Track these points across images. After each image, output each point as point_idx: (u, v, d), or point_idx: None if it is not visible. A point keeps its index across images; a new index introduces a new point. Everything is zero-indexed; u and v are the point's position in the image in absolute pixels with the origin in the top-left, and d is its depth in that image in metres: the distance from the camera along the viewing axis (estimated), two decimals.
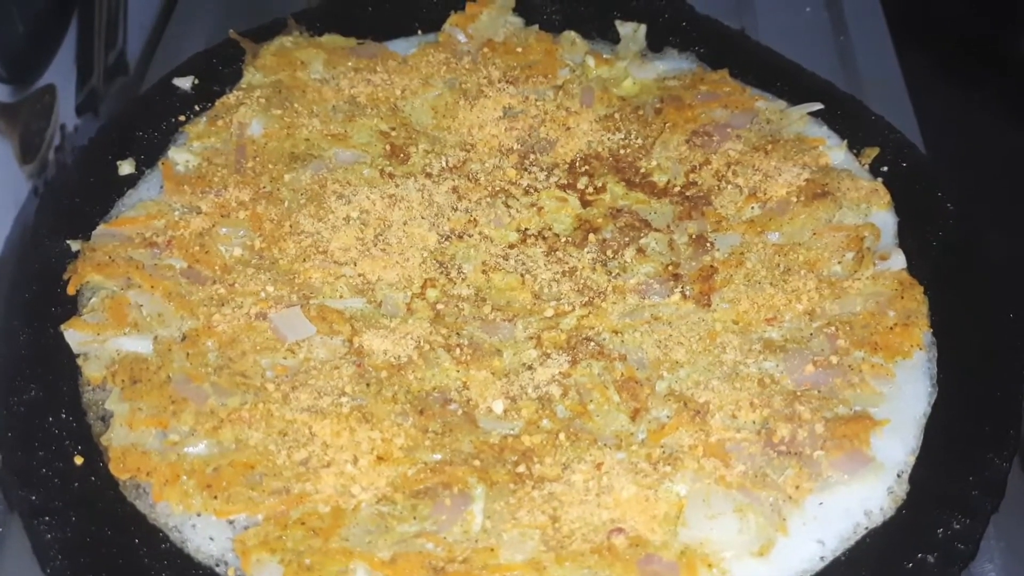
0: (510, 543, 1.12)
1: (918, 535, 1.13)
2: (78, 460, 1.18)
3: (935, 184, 1.50)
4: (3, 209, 1.50)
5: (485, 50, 1.69)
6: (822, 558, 1.12)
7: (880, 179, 1.51)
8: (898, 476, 1.18)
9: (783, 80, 1.67)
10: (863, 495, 1.16)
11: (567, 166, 1.57)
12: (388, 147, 1.56)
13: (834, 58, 2.03)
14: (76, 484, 1.16)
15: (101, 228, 1.40)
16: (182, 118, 1.57)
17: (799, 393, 1.24)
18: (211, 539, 1.13)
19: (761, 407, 1.23)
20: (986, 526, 1.14)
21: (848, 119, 1.60)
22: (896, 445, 1.21)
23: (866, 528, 1.14)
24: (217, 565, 1.12)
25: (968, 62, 2.04)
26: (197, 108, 1.58)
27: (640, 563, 1.10)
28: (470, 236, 1.46)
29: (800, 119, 1.59)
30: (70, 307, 1.32)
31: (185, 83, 1.60)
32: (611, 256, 1.44)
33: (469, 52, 1.69)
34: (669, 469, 1.17)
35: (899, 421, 1.23)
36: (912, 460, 1.20)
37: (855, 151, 1.56)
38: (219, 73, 1.63)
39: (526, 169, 1.55)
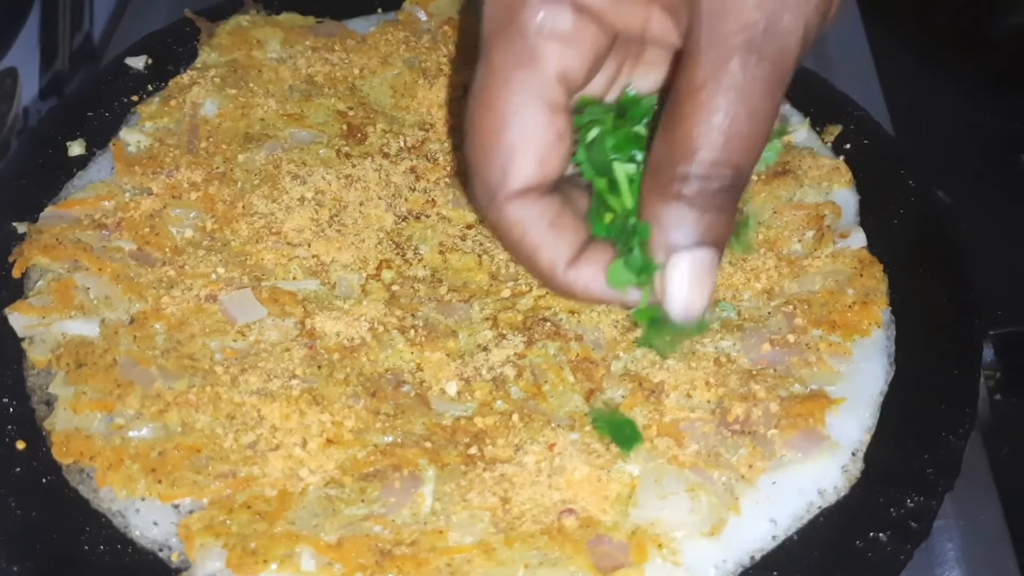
0: (459, 525, 1.10)
1: (871, 513, 1.12)
2: (20, 445, 1.16)
3: (898, 162, 1.48)
4: None
5: (446, 28, 1.66)
6: (774, 537, 1.11)
7: (842, 157, 1.50)
8: (853, 455, 1.17)
9: None
10: (817, 474, 1.15)
11: None
12: (345, 127, 1.53)
13: None
14: (18, 469, 1.14)
15: (49, 210, 1.37)
16: (135, 98, 1.54)
17: (755, 372, 1.23)
18: (155, 524, 1.11)
19: (716, 386, 1.21)
20: (940, 504, 1.12)
21: (812, 96, 1.58)
22: (851, 424, 1.19)
23: (819, 507, 1.13)
24: (160, 550, 1.10)
25: (937, 40, 2.03)
26: (150, 88, 1.55)
27: (590, 544, 1.08)
28: (427, 217, 1.44)
29: None
30: (16, 290, 1.29)
31: (138, 63, 1.58)
32: None
33: (429, 30, 1.67)
34: None
35: (855, 400, 1.21)
36: (867, 439, 1.19)
37: (818, 129, 1.54)
38: (174, 53, 1.60)
39: None
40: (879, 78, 1.90)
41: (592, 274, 1.02)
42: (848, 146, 1.51)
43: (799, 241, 1.38)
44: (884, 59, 1.94)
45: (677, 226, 0.92)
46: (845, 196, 1.44)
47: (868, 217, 1.42)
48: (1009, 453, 1.57)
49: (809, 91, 1.58)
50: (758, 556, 1.10)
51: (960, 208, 1.85)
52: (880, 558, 1.08)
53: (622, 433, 1.16)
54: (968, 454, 1.25)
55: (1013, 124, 2.02)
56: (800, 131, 1.52)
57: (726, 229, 0.93)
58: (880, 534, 1.10)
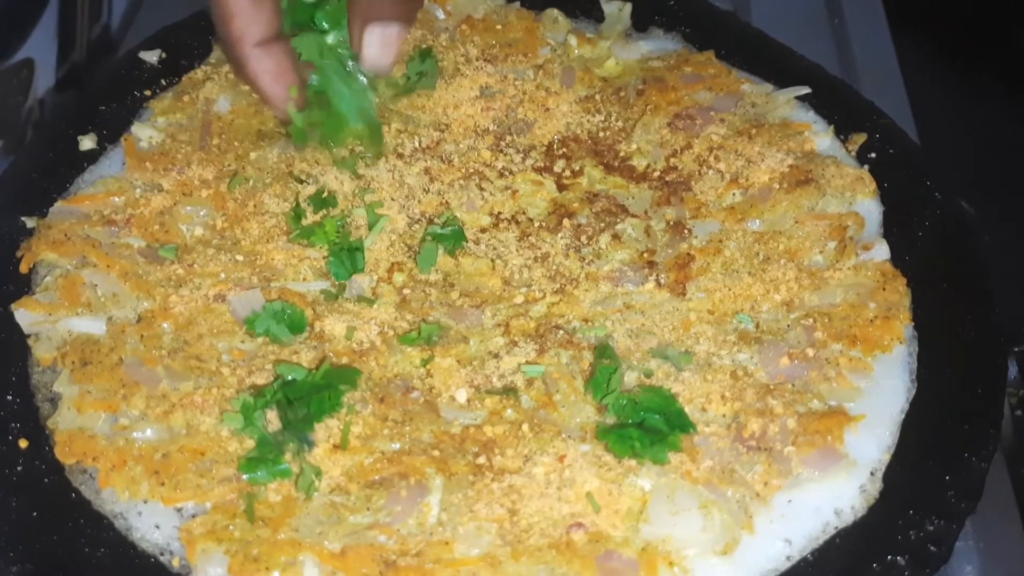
0: (465, 536, 1.08)
1: (889, 536, 1.09)
2: (23, 443, 1.14)
3: (924, 172, 1.44)
4: None
5: (463, 27, 1.64)
6: (788, 558, 1.08)
7: (867, 166, 1.46)
8: (871, 474, 1.14)
9: (771, 63, 1.61)
10: (834, 493, 1.12)
11: (544, 148, 1.52)
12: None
13: (829, 42, 1.98)
14: (20, 468, 1.13)
15: (59, 205, 1.36)
16: (148, 93, 1.52)
17: (772, 387, 1.20)
18: (157, 527, 1.10)
19: (732, 400, 1.18)
20: (961, 528, 1.09)
21: (837, 104, 1.54)
22: (871, 442, 1.16)
23: (836, 527, 1.10)
24: (162, 554, 1.08)
25: (966, 48, 1.98)
26: (164, 83, 1.54)
27: (599, 560, 1.06)
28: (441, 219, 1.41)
29: (786, 103, 1.54)
30: (23, 286, 1.28)
31: (152, 56, 1.56)
32: (585, 242, 1.39)
33: (447, 29, 1.64)
34: (634, 463, 1.13)
35: (875, 417, 1.18)
36: (887, 458, 1.16)
37: (842, 137, 1.51)
38: (188, 47, 1.58)
39: (502, 151, 1.50)
40: (906, 87, 1.86)
41: (274, 64, 1.27)
42: (873, 155, 1.48)
43: (820, 252, 1.35)
44: (911, 68, 1.90)
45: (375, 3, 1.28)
46: (869, 207, 1.41)
47: (892, 229, 1.39)
48: None
49: (834, 98, 1.55)
50: None
51: (985, 219, 1.81)
52: None
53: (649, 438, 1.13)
54: (990, 474, 1.22)
55: None
56: (824, 139, 1.48)
57: (413, 12, 1.32)
58: (898, 558, 1.07)
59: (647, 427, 1.14)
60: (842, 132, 1.51)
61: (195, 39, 1.59)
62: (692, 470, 1.12)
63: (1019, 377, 1.55)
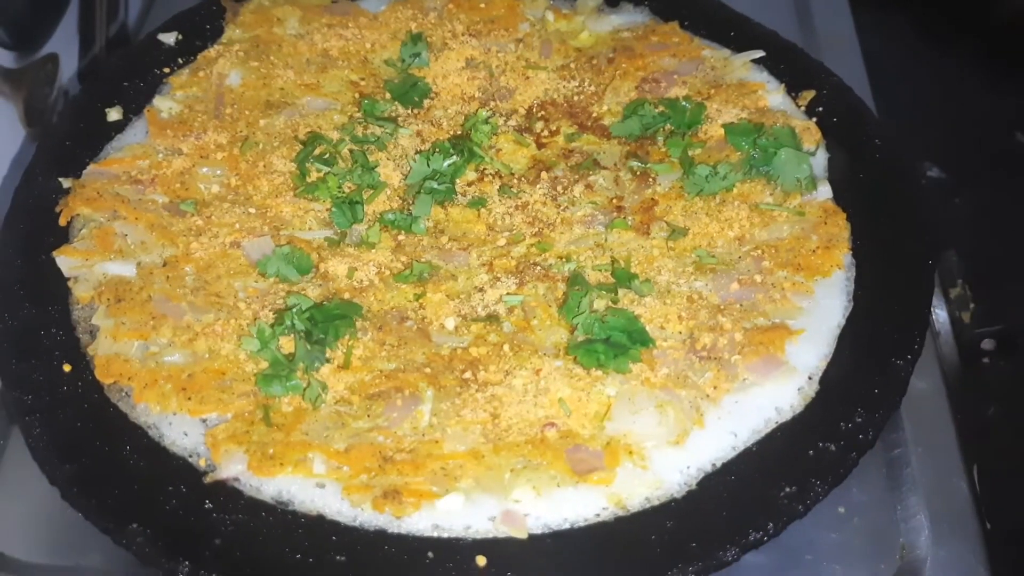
0: (453, 436, 1.24)
1: (823, 427, 1.24)
2: (67, 367, 1.31)
3: (866, 123, 1.60)
4: (8, 165, 1.68)
5: (450, 6, 1.80)
6: (734, 448, 1.23)
7: (815, 119, 1.61)
8: (809, 378, 1.29)
9: (730, 31, 1.77)
10: (776, 394, 1.27)
11: (525, 112, 1.68)
12: (357, 95, 1.67)
13: (791, 14, 2.13)
14: (65, 388, 1.29)
15: (91, 167, 1.52)
16: (167, 70, 1.69)
17: (723, 307, 1.35)
18: (185, 434, 1.26)
19: (688, 319, 1.34)
20: (886, 418, 1.24)
21: (789, 65, 1.69)
22: (809, 351, 1.31)
23: (776, 422, 1.25)
24: (190, 456, 1.24)
25: (930, 16, 2.11)
26: (180, 61, 1.70)
27: (569, 452, 1.22)
28: None
29: (743, 66, 1.69)
30: (62, 237, 1.44)
31: (169, 38, 1.73)
32: (561, 191, 1.55)
33: (435, 8, 1.80)
34: (600, 373, 1.29)
35: (814, 331, 1.33)
36: (824, 365, 1.31)
37: (793, 94, 1.66)
38: (202, 30, 1.75)
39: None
40: (863, 53, 2.00)
41: None
42: (821, 109, 1.63)
43: (771, 195, 1.50)
44: (869, 36, 2.04)
45: None
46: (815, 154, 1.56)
47: (836, 173, 1.54)
48: (996, 412, 1.66)
49: (787, 60, 1.69)
50: (719, 463, 1.22)
51: (955, 184, 1.94)
52: (830, 465, 1.20)
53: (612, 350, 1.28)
54: (929, 391, 1.38)
55: (1009, 102, 2.09)
56: (776, 96, 1.64)
57: None
58: (830, 444, 1.22)
59: (612, 342, 1.30)
60: (793, 90, 1.66)
61: (208, 22, 1.76)
62: (651, 377, 1.28)
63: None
